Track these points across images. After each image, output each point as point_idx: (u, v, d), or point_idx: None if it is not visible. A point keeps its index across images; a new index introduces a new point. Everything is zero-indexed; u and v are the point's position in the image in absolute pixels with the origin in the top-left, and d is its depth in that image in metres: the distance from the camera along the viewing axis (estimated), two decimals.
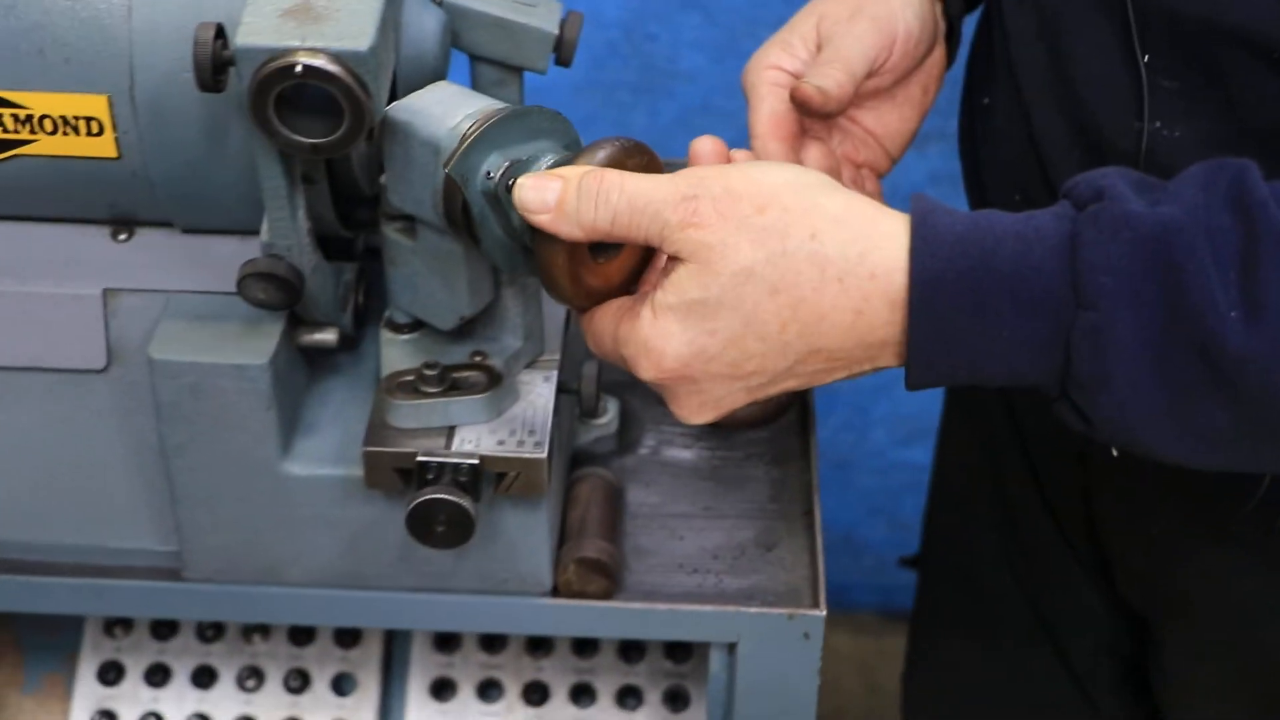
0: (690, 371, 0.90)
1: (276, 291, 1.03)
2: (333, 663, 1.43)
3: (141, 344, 1.12)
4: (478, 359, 1.10)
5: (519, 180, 0.93)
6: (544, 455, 1.07)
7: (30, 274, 1.12)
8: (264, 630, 1.42)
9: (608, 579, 1.15)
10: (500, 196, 0.96)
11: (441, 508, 1.05)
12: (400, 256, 1.06)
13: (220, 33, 0.97)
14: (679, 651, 1.40)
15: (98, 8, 1.03)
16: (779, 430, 1.31)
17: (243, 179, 1.07)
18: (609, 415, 1.26)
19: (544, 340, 1.14)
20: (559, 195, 0.91)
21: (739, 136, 1.14)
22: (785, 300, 0.87)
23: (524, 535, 1.12)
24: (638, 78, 2.06)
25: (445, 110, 1.00)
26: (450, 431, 1.08)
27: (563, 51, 1.15)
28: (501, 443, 1.08)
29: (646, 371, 0.91)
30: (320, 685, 1.43)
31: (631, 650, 1.41)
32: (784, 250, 0.87)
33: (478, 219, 0.97)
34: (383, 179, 1.05)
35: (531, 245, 0.96)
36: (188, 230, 1.13)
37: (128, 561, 1.18)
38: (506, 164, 0.96)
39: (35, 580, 1.16)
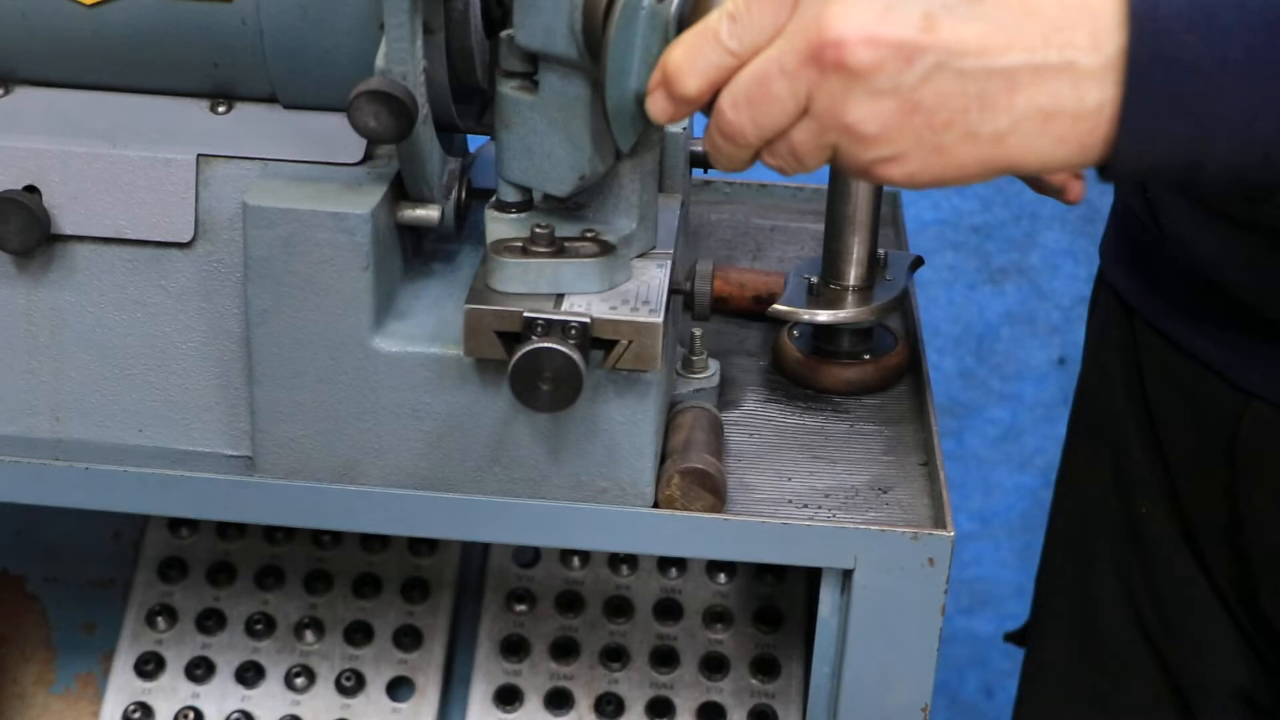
0: None
1: (390, 117, 0.96)
2: (390, 665, 1.31)
3: (232, 218, 1.05)
4: (589, 235, 1.03)
5: None
6: (659, 320, 0.99)
7: (121, 139, 1.06)
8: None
9: (714, 495, 1.05)
10: None
11: (549, 360, 0.96)
12: (517, 116, 1.00)
13: None
14: (765, 668, 1.29)
15: None
16: (890, 398, 1.22)
17: (355, 29, 1.02)
18: (710, 370, 1.17)
19: (657, 233, 1.07)
20: None
21: None
22: None
23: (627, 432, 1.03)
24: None
25: None
26: (559, 299, 1.00)
27: None
28: (614, 309, 0.99)
29: None
30: (375, 688, 1.31)
31: (714, 668, 1.29)
32: None
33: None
34: (503, 33, 1.00)
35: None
36: (290, 106, 1.08)
37: (195, 467, 1.08)
38: None
39: (96, 469, 1.06)
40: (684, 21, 0.91)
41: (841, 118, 0.82)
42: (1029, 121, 0.81)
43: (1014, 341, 2.32)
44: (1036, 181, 1.13)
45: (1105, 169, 0.82)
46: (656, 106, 0.88)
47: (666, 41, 0.91)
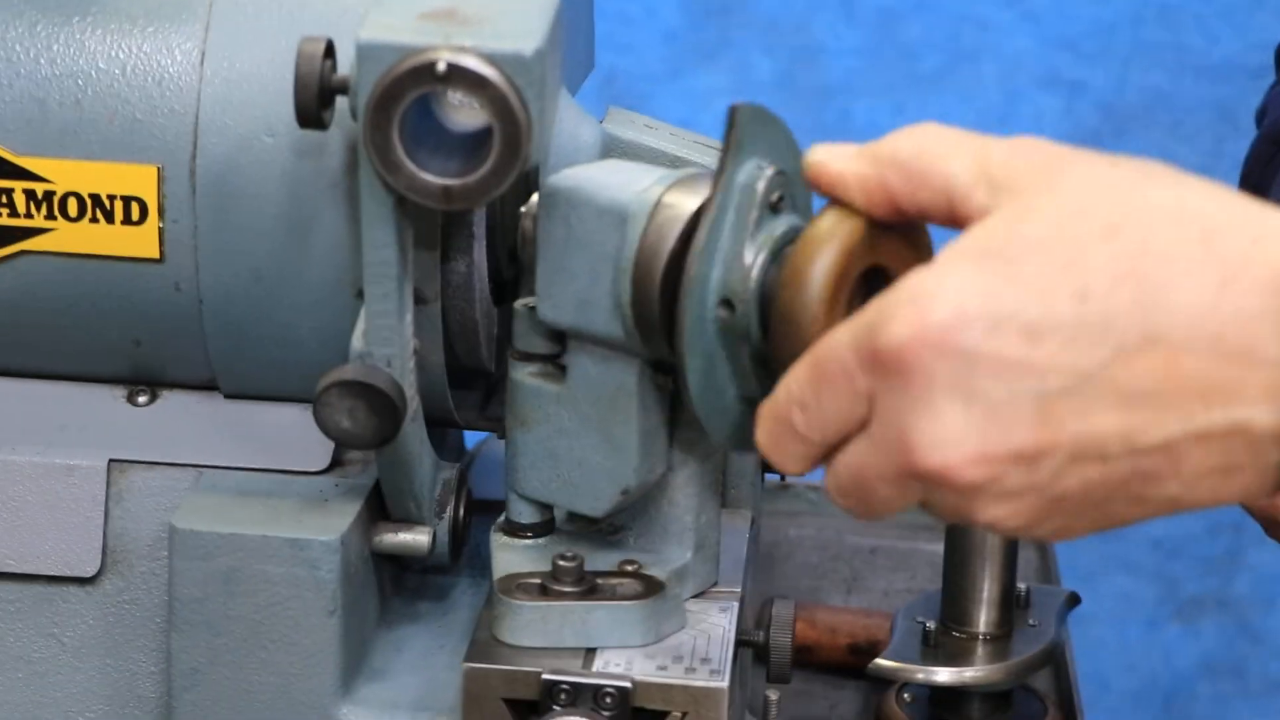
0: (965, 338, 0.85)
1: (369, 416, 1.03)
2: None
3: (153, 545, 1.12)
4: (629, 569, 1.10)
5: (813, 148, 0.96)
6: (724, 685, 1.05)
7: (9, 440, 1.14)
8: None
9: None
10: (766, 205, 0.99)
11: None
12: (538, 411, 1.07)
13: (330, 52, 1.03)
14: None
15: (159, 51, 1.10)
16: None
17: (324, 298, 1.10)
18: None
19: (719, 565, 1.13)
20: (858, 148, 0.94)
21: None
22: (1125, 245, 0.85)
23: None
24: None
25: (627, 177, 1.04)
26: (589, 654, 1.06)
27: None
28: (663, 668, 1.06)
29: (903, 326, 0.86)
30: None
31: None
32: (1135, 187, 0.87)
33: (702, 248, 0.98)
34: (518, 303, 1.08)
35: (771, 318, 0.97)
36: (233, 396, 1.16)
37: None
38: (774, 170, 0.99)
39: None
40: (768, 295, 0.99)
41: (971, 519, 0.91)
42: (1205, 480, 0.88)
43: (1217, 701, 2.36)
44: None
45: None
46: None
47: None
